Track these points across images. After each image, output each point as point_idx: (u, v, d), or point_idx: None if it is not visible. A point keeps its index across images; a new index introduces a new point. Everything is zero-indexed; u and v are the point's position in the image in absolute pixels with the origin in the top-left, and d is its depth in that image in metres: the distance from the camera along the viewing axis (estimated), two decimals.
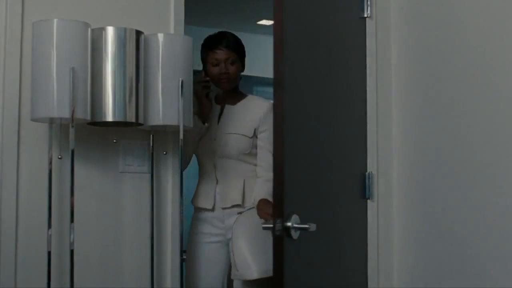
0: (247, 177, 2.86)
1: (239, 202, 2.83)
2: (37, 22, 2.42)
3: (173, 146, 2.81)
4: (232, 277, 2.74)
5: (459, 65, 2.71)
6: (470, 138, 2.65)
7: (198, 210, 2.96)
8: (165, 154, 2.82)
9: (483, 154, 2.60)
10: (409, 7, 2.95)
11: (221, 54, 2.90)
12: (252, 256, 2.66)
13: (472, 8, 2.66)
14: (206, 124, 2.90)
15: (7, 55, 2.56)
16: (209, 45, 2.94)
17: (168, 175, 2.85)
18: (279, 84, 2.05)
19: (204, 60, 2.97)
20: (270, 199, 2.63)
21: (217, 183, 2.88)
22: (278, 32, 2.06)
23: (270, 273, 2.54)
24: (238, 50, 2.94)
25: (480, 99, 2.61)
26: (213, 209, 2.88)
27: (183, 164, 2.71)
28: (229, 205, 2.85)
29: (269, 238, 2.63)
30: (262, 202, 2.71)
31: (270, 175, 2.74)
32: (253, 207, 2.72)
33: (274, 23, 2.07)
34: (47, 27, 2.39)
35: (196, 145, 2.94)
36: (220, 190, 2.88)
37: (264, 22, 6.13)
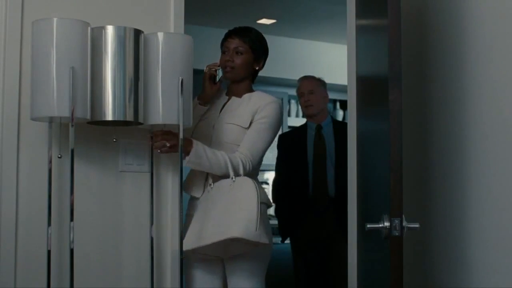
0: None
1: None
2: (37, 21, 2.42)
3: None
4: (198, 244, 2.59)
5: (453, 65, 2.72)
6: (467, 137, 2.65)
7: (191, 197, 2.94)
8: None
9: (480, 154, 2.60)
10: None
11: (231, 42, 2.90)
12: (231, 218, 2.55)
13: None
14: (203, 106, 2.91)
15: (7, 54, 2.56)
16: (226, 34, 2.95)
17: (168, 174, 2.85)
18: (395, 83, 2.04)
19: (221, 48, 2.97)
20: (207, 150, 2.69)
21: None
22: (394, 31, 2.05)
23: (251, 237, 2.50)
24: (252, 44, 2.90)
25: (476, 99, 2.62)
26: None
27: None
28: None
29: (245, 209, 2.56)
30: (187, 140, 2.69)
31: (238, 154, 2.75)
32: (224, 179, 2.70)
33: (390, 20, 2.06)
34: (47, 26, 2.39)
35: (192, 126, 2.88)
36: (210, 180, 2.86)
37: (264, 21, 6.11)
